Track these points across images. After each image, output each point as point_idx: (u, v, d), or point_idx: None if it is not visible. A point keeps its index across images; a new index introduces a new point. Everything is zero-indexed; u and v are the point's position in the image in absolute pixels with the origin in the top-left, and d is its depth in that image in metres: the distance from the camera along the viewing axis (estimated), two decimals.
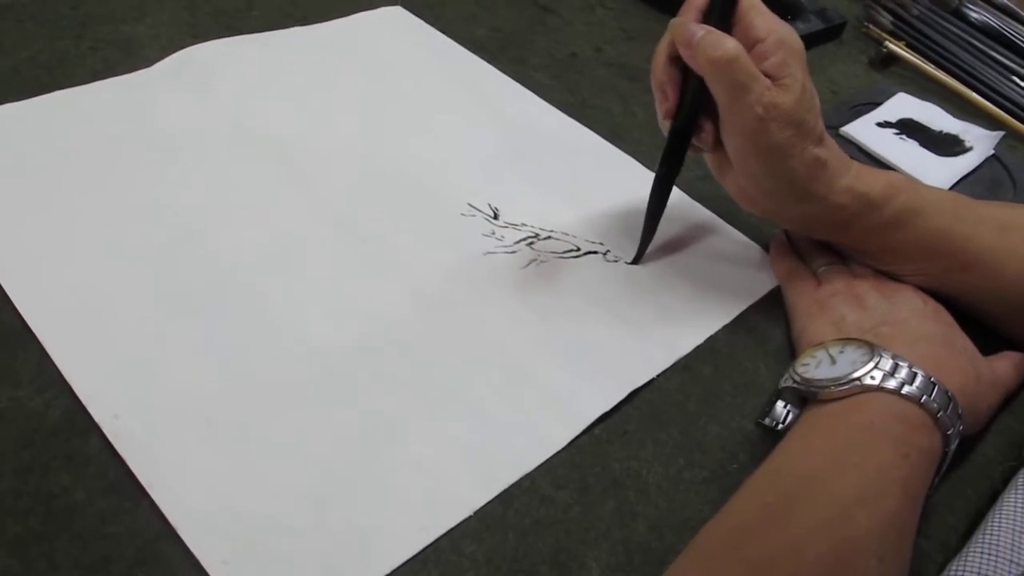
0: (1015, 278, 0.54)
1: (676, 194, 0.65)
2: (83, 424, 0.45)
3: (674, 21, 0.51)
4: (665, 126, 0.55)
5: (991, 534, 0.45)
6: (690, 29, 0.49)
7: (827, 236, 0.57)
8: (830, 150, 0.52)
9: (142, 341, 0.49)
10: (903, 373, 0.45)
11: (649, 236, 0.59)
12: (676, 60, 0.52)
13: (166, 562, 0.40)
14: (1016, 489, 0.48)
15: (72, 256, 0.53)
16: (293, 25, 0.76)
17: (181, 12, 0.76)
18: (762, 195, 0.54)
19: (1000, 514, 0.46)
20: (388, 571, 0.41)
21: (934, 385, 0.45)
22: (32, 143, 0.60)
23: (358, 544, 0.42)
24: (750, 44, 0.50)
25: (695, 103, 0.52)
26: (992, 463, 0.51)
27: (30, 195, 0.56)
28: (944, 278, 0.55)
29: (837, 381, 0.46)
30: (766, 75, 0.49)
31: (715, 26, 0.49)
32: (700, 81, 0.50)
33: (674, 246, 0.61)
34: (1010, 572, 0.43)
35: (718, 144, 0.54)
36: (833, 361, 0.48)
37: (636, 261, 0.59)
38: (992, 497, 0.49)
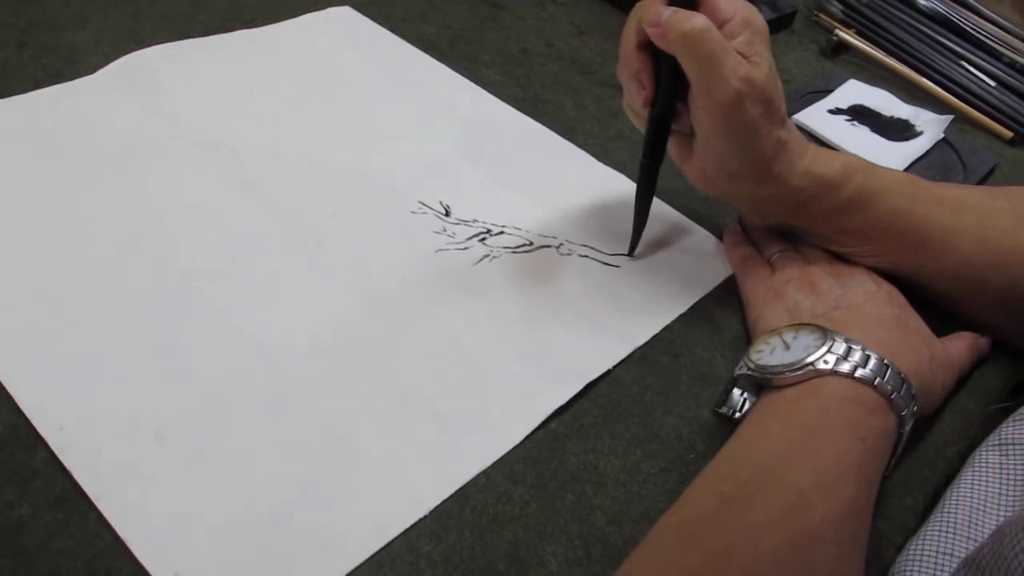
0: (968, 257, 0.54)
1: (629, 186, 0.65)
2: (28, 437, 0.44)
3: (640, 4, 0.50)
4: (642, 116, 0.54)
5: (948, 512, 0.45)
6: (657, 9, 0.49)
7: (784, 219, 0.57)
8: (791, 132, 0.52)
9: (87, 351, 0.48)
10: (856, 356, 0.45)
11: (641, 226, 0.59)
12: (645, 46, 0.51)
13: (116, 575, 0.39)
14: (972, 468, 0.48)
15: (13, 266, 0.52)
16: (240, 28, 0.75)
17: (124, 18, 0.74)
18: (724, 177, 0.53)
19: (957, 492, 0.47)
20: (344, 574, 0.41)
21: (887, 367, 0.45)
22: None
23: (313, 548, 0.41)
24: (716, 24, 0.49)
25: (671, 87, 0.52)
26: (948, 443, 0.51)
27: None
28: (899, 258, 0.55)
29: (791, 366, 0.46)
30: None
31: (680, 7, 0.49)
32: (673, 63, 0.50)
33: (627, 239, 0.60)
34: (968, 549, 0.43)
35: (693, 134, 0.54)
36: (787, 347, 0.48)
37: (631, 253, 0.59)
38: (948, 477, 0.49)
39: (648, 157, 0.56)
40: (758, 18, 0.50)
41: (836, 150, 0.70)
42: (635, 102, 0.53)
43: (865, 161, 0.55)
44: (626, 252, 0.59)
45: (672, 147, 0.56)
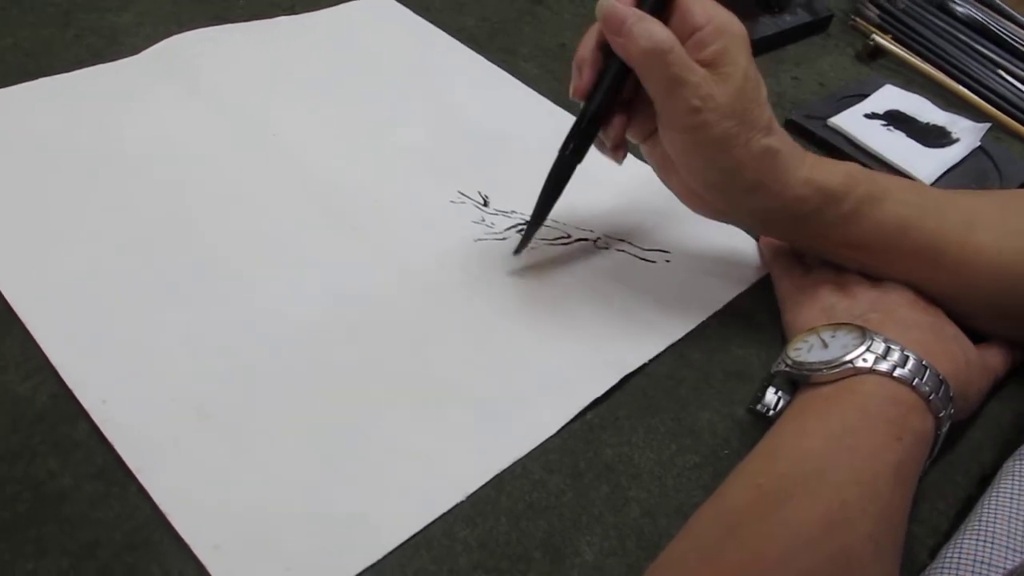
0: (984, 274, 0.52)
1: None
2: (70, 409, 0.44)
3: (602, 3, 0.47)
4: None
5: (986, 521, 0.45)
6: (620, 14, 0.46)
7: (785, 234, 0.55)
8: (782, 140, 0.50)
9: (130, 326, 0.48)
10: (895, 356, 0.45)
11: (536, 225, 0.55)
12: (605, 46, 0.48)
13: (156, 547, 0.40)
14: (1012, 476, 0.48)
15: (58, 242, 0.52)
16: (280, 14, 0.76)
17: (167, 1, 0.75)
18: (711, 192, 0.51)
19: (996, 500, 0.46)
20: (380, 556, 0.41)
21: (926, 368, 0.45)
22: (16, 130, 0.59)
23: (350, 529, 0.42)
24: (687, 32, 0.47)
25: (611, 90, 0.49)
26: (982, 448, 0.51)
27: (15, 182, 0.56)
28: (912, 276, 0.53)
29: (829, 364, 0.46)
30: (704, 64, 0.47)
31: (649, 12, 0.46)
32: (619, 68, 0.48)
33: (664, 235, 0.61)
34: (1007, 559, 0.43)
35: (618, 147, 0.53)
36: (825, 345, 0.48)
37: (518, 252, 0.56)
38: (982, 482, 0.49)
39: (564, 151, 0.52)
40: (734, 24, 0.48)
41: (872, 154, 0.71)
42: (571, 88, 0.51)
43: (865, 169, 0.53)
44: (664, 248, 0.59)
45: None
